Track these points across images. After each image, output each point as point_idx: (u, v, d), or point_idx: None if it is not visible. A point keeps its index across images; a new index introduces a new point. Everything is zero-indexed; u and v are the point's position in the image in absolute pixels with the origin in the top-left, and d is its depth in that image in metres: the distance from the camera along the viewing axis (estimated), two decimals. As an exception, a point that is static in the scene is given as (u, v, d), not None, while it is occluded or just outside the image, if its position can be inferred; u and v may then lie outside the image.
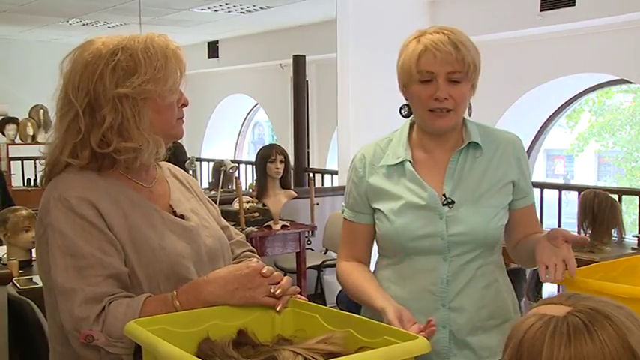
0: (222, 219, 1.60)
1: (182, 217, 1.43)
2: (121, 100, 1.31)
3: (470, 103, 1.66)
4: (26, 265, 3.23)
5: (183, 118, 1.42)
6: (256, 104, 9.43)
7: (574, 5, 4.78)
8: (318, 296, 4.89)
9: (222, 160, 5.17)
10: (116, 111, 1.31)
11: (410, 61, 1.60)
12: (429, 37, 1.58)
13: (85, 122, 1.32)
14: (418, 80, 1.59)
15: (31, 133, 6.34)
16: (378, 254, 1.76)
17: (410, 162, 1.66)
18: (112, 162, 1.35)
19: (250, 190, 5.28)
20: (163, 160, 1.53)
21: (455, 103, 1.59)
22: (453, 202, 1.62)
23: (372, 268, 1.79)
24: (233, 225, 1.65)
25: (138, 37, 1.35)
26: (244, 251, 1.59)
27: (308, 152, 7.04)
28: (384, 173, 1.68)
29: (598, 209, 3.79)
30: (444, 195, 1.62)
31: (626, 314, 0.88)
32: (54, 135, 1.38)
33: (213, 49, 9.05)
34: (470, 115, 1.69)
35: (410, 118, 1.72)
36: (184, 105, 1.41)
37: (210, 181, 6.50)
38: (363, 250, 1.74)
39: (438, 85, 1.57)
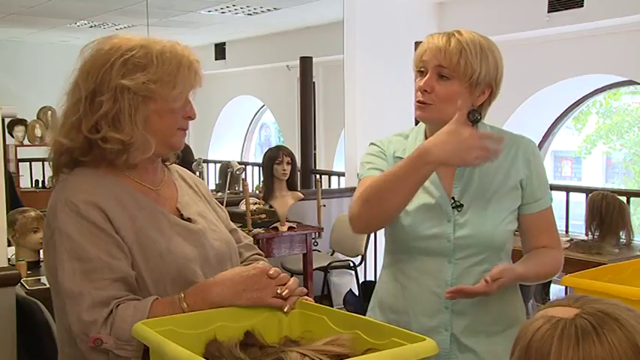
0: (231, 222, 1.60)
1: (189, 220, 1.43)
2: (122, 92, 1.31)
3: (478, 111, 1.59)
4: (34, 266, 3.25)
5: (186, 131, 1.41)
6: (263, 106, 9.45)
7: (582, 6, 4.76)
8: (324, 298, 4.89)
9: (229, 162, 5.18)
10: (115, 101, 1.31)
11: (416, 55, 1.65)
12: (434, 36, 1.62)
13: (84, 106, 1.33)
14: (417, 72, 1.64)
15: (39, 135, 6.37)
16: (385, 251, 1.76)
17: None
18: (102, 154, 1.34)
19: (257, 192, 5.28)
20: (174, 163, 1.53)
21: (437, 99, 1.59)
22: (461, 206, 1.61)
23: (380, 264, 1.78)
24: (240, 226, 1.65)
25: (161, 40, 1.37)
26: (252, 254, 1.59)
27: (315, 154, 7.04)
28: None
29: (606, 211, 3.77)
30: (453, 198, 1.62)
31: (636, 317, 0.87)
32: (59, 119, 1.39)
33: (220, 50, 9.07)
34: (476, 122, 1.61)
35: None
36: (190, 118, 1.40)
37: (217, 182, 6.50)
38: None
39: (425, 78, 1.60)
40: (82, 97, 1.33)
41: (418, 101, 1.62)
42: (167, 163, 1.51)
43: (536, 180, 1.67)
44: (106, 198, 1.32)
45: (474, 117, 1.60)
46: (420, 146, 1.50)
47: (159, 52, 1.33)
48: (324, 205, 4.67)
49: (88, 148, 1.34)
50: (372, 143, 1.75)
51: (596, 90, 5.83)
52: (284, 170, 4.27)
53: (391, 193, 1.52)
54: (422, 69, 1.62)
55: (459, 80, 1.57)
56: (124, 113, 1.31)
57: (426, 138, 1.68)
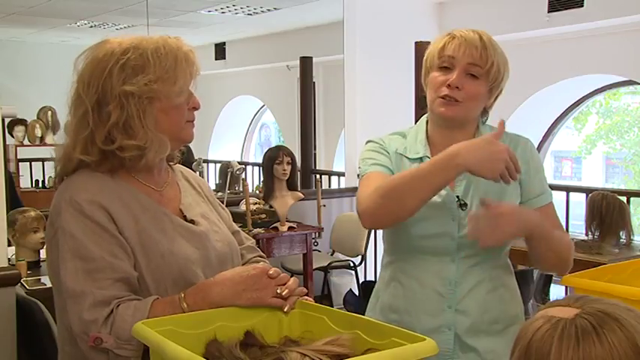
0: (234, 223, 1.60)
1: (192, 221, 1.43)
2: (126, 98, 1.31)
3: (487, 109, 1.67)
4: (34, 266, 3.25)
5: (194, 122, 1.41)
6: (263, 106, 9.45)
7: (582, 6, 4.76)
8: (324, 298, 4.89)
9: (229, 162, 5.18)
10: (122, 108, 1.31)
11: (435, 49, 1.63)
12: (461, 31, 1.61)
13: (93, 118, 1.32)
14: (438, 66, 1.61)
15: (40, 135, 6.36)
16: (384, 251, 1.76)
17: (429, 158, 1.65)
18: (120, 162, 1.35)
19: (257, 192, 5.28)
20: (178, 163, 1.53)
21: (465, 97, 1.58)
22: (466, 204, 1.61)
23: (379, 264, 1.77)
24: (240, 226, 1.65)
25: (151, 37, 1.36)
26: (254, 257, 1.58)
27: (315, 154, 7.04)
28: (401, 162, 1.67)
29: (606, 211, 3.76)
30: (457, 197, 1.62)
31: (636, 317, 0.87)
32: (66, 133, 1.38)
33: (220, 50, 9.07)
34: (484, 121, 1.69)
35: (426, 115, 1.72)
36: (195, 108, 1.40)
37: (218, 182, 6.50)
38: None
39: (454, 74, 1.58)
40: (87, 109, 1.32)
41: (445, 96, 1.60)
42: (171, 163, 1.51)
43: (535, 176, 1.68)
44: (110, 198, 1.32)
45: (482, 116, 1.64)
46: (449, 149, 1.48)
47: (153, 51, 1.33)
48: (324, 205, 4.66)
49: (103, 159, 1.34)
50: (369, 141, 1.74)
51: (596, 90, 5.83)
52: (284, 170, 4.27)
53: (412, 192, 1.48)
54: (446, 63, 1.60)
55: (485, 80, 1.59)
56: (133, 119, 1.31)
57: (427, 137, 1.69)
